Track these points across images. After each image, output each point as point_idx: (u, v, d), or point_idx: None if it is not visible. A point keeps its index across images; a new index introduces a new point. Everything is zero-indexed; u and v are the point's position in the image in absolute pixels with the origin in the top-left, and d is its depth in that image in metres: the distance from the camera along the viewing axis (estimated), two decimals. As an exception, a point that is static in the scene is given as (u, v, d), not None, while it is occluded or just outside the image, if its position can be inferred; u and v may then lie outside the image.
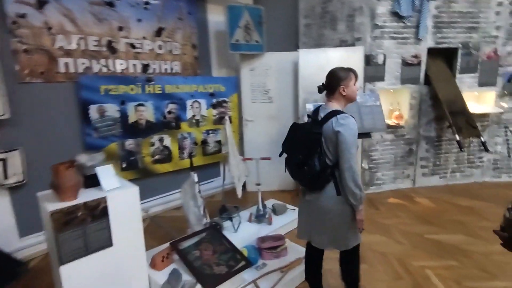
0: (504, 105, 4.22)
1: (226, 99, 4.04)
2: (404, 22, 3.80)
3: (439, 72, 3.99)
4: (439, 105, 4.02)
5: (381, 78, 3.87)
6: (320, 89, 1.77)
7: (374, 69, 3.83)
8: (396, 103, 4.14)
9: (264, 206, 3.20)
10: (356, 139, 1.60)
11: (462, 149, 3.69)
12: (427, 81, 3.98)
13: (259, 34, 3.83)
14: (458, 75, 4.07)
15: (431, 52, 3.96)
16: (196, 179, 2.54)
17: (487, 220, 3.27)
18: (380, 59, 3.82)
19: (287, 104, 4.08)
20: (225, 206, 2.87)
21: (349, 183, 1.57)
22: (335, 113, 1.63)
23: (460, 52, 3.98)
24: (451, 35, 3.93)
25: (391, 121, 4.03)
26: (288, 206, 3.46)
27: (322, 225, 1.75)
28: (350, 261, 1.90)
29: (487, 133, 4.26)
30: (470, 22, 3.93)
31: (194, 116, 3.78)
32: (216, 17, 3.96)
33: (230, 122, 4.06)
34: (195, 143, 3.84)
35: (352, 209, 1.68)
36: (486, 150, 3.70)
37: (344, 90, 1.69)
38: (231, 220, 2.75)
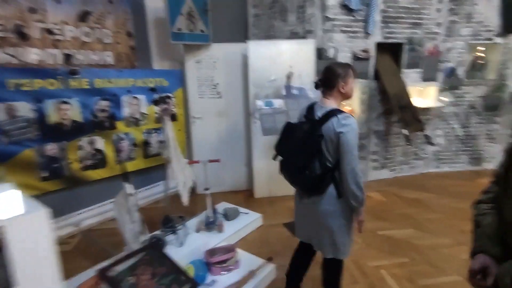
0: (445, 99, 4.42)
1: (169, 94, 3.65)
2: (354, 16, 3.74)
3: (387, 67, 4.02)
4: (388, 100, 4.07)
5: (333, 73, 3.78)
6: (317, 85, 1.66)
7: (326, 63, 3.71)
8: (347, 98, 4.10)
9: (214, 211, 2.93)
10: (357, 139, 1.51)
11: (409, 143, 3.77)
12: (376, 75, 3.99)
13: (204, 23, 3.49)
14: (404, 70, 4.15)
15: (380, 47, 3.98)
16: (130, 190, 2.17)
17: (433, 212, 3.38)
18: (331, 53, 3.72)
19: (237, 99, 3.81)
20: (168, 216, 2.54)
21: (351, 185, 1.49)
22: (334, 112, 1.51)
23: (405, 47, 4.05)
24: (398, 30, 3.97)
25: (343, 116, 3.98)
26: (241, 209, 3.22)
27: (322, 228, 1.65)
28: (336, 269, 1.79)
29: (429, 127, 4.44)
30: (414, 18, 4.01)
31: (132, 114, 3.34)
32: (154, 2, 3.52)
33: (175, 119, 3.69)
34: (135, 145, 3.41)
35: (352, 211, 1.61)
36: (431, 143, 3.82)
37: (343, 88, 1.59)
38: (175, 233, 2.43)
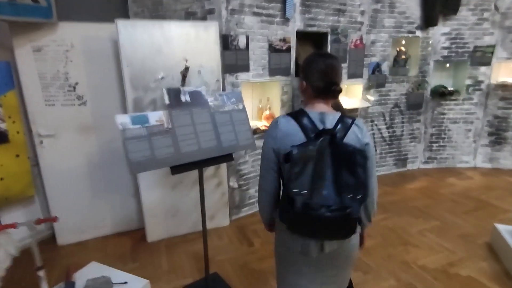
0: (370, 98, 3.97)
1: (-11, 101, 2.27)
2: (267, -6, 2.88)
3: (310, 61, 3.31)
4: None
5: (246, 68, 2.89)
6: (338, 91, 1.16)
7: (235, 55, 2.80)
8: (265, 99, 3.29)
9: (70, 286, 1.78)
10: None
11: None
12: (298, 71, 3.24)
13: (39, -12, 2.19)
14: (328, 65, 3.50)
15: (301, 36, 3.23)
16: None
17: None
18: (242, 42, 2.81)
19: (112, 106, 2.63)
20: None
21: (375, 205, 1.22)
22: (345, 118, 1.13)
23: (329, 37, 3.40)
24: (320, 16, 3.27)
25: (261, 124, 3.16)
26: (118, 274, 2.04)
27: (347, 268, 1.28)
28: None
29: (357, 129, 3.94)
30: (338, 4, 3.37)
31: None
32: None
33: (6, 140, 2.34)
34: None
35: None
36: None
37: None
38: None
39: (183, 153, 1.77)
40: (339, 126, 1.10)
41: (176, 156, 1.74)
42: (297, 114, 1.13)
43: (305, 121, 1.10)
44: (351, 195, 1.00)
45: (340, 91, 1.15)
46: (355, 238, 1.21)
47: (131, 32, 2.31)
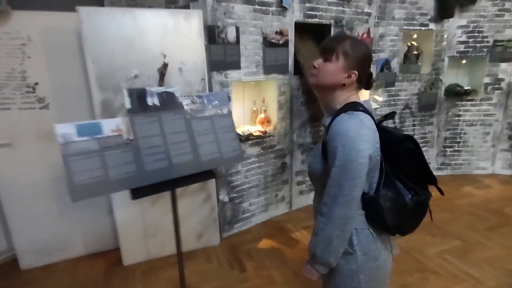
0: (379, 98, 3.58)
1: None
2: (262, -21, 2.50)
3: (311, 57, 2.93)
4: (314, 102, 3.00)
5: (236, 65, 2.51)
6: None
7: (223, 50, 2.42)
8: (261, 101, 2.91)
9: None
10: None
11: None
12: (298, 69, 2.86)
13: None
14: (332, 62, 3.12)
15: (300, 28, 2.85)
16: None
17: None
18: (231, 35, 2.44)
19: (81, 110, 2.26)
20: None
21: None
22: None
23: (332, 30, 3.01)
24: (322, 6, 2.88)
25: (255, 129, 2.78)
26: None
27: None
28: None
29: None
30: (342, -8, 2.98)
31: None
32: None
33: None
34: None
35: None
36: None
37: None
38: None
39: (148, 172, 1.39)
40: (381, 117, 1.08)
41: (139, 175, 1.37)
42: (357, 107, 0.97)
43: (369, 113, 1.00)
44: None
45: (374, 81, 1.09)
46: None
47: (96, 22, 1.94)
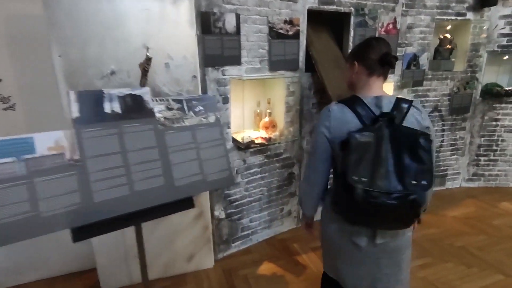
0: (404, 99, 3.11)
1: None
2: (268, -42, 2.10)
3: (325, 51, 2.50)
4: (329, 104, 2.58)
5: (236, 60, 2.13)
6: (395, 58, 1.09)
7: (220, 42, 2.04)
8: (265, 102, 2.52)
9: None
10: None
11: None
12: (310, 65, 2.45)
13: None
14: (350, 57, 2.68)
15: (313, 17, 2.43)
16: None
17: None
18: (230, 24, 2.05)
19: (54, 112, 1.94)
20: None
21: (429, 197, 1.11)
22: (402, 101, 1.07)
23: (352, 19, 2.57)
24: (341, -9, 2.45)
25: (258, 135, 2.40)
26: None
27: (393, 269, 1.16)
28: None
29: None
30: (365, -26, 2.53)
31: None
32: None
33: None
34: None
35: None
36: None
37: None
38: None
39: (98, 204, 1.04)
40: (396, 110, 1.04)
41: (85, 208, 1.02)
42: (350, 101, 1.08)
43: (360, 107, 1.05)
44: (414, 181, 0.95)
45: (396, 58, 1.08)
46: (409, 231, 1.16)
47: (65, 5, 1.59)
